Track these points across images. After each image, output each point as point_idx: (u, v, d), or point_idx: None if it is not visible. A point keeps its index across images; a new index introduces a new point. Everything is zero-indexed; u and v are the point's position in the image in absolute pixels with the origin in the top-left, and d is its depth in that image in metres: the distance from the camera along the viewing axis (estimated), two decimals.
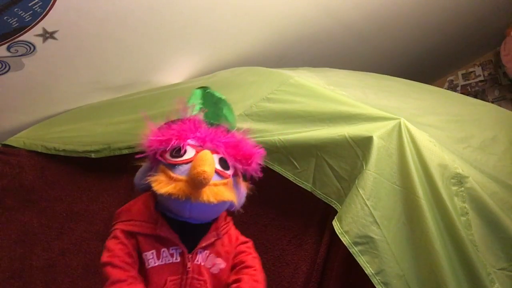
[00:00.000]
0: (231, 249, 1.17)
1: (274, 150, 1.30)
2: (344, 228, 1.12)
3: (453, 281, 1.07)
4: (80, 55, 1.75)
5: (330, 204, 1.23)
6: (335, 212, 1.19)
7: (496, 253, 1.16)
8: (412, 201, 1.14)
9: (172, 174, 1.02)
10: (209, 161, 1.00)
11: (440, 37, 2.90)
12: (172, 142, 1.05)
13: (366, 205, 1.12)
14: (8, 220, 1.69)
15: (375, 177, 1.15)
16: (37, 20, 1.49)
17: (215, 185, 1.03)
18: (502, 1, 2.76)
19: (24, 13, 1.43)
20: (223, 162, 1.07)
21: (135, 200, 1.14)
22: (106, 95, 1.98)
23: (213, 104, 1.17)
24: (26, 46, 1.58)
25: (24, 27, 1.49)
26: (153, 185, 1.01)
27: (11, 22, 1.44)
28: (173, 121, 1.11)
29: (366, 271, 1.08)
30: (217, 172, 1.04)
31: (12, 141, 1.82)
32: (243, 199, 1.16)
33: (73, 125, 1.83)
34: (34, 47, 1.60)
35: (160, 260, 1.05)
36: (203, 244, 1.09)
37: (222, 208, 1.11)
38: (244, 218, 1.24)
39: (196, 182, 0.97)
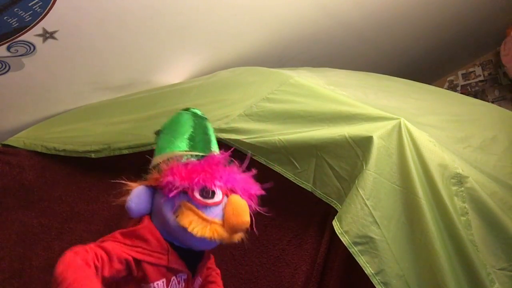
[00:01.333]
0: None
1: (274, 150, 1.30)
2: (344, 228, 1.12)
3: (453, 281, 1.07)
4: (80, 55, 1.75)
5: (330, 204, 1.23)
6: (335, 212, 1.19)
7: (496, 253, 1.16)
8: (412, 201, 1.14)
9: (206, 216, 1.04)
10: (247, 210, 1.06)
11: (440, 37, 2.90)
12: (206, 183, 1.06)
13: (366, 205, 1.12)
14: (8, 220, 1.69)
15: (375, 177, 1.15)
16: (37, 20, 1.49)
17: None
18: (502, 1, 2.76)
19: (24, 13, 1.43)
20: None
21: (138, 227, 1.09)
22: (106, 95, 1.98)
23: (201, 132, 1.17)
24: (26, 46, 1.58)
25: (24, 27, 1.49)
26: (185, 225, 1.02)
27: (11, 22, 1.44)
28: (197, 159, 1.11)
29: (366, 271, 1.08)
30: None
31: (12, 141, 1.82)
32: None
33: (73, 125, 1.83)
34: (34, 47, 1.60)
35: (169, 287, 1.07)
36: (201, 269, 1.16)
37: None
38: None
39: (238, 230, 1.04)
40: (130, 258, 1.01)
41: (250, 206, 1.10)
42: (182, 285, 1.10)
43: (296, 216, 1.39)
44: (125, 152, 1.55)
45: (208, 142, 1.17)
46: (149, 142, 1.41)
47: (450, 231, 1.12)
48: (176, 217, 1.04)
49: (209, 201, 1.06)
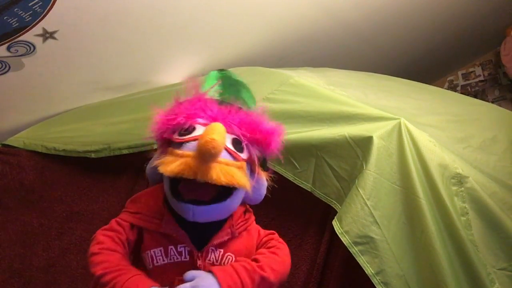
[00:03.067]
0: (253, 246, 1.08)
1: None
2: (344, 228, 1.12)
3: (453, 281, 1.07)
4: (80, 55, 1.75)
5: (330, 204, 1.23)
6: (335, 212, 1.19)
7: (496, 253, 1.16)
8: (412, 201, 1.14)
9: (179, 151, 0.92)
10: (219, 130, 0.89)
11: (440, 37, 2.90)
12: (180, 120, 0.96)
13: (366, 205, 1.12)
14: (8, 220, 1.69)
15: (375, 177, 1.15)
16: (37, 20, 1.49)
17: (227, 164, 0.92)
18: (502, 1, 2.76)
19: (24, 13, 1.43)
20: (236, 143, 0.97)
21: (146, 190, 1.09)
22: (106, 95, 1.98)
23: (230, 86, 1.08)
24: (26, 46, 1.58)
25: (24, 27, 1.49)
26: (158, 166, 0.91)
27: (11, 22, 1.44)
28: (181, 101, 1.01)
29: (366, 271, 1.08)
30: (229, 152, 0.94)
31: (12, 141, 1.82)
32: (263, 192, 1.07)
33: (73, 125, 1.83)
34: (34, 47, 1.60)
35: (168, 258, 0.99)
36: (215, 242, 1.01)
37: (230, 208, 1.01)
38: None
39: (204, 152, 0.86)
40: (130, 225, 0.99)
41: (250, 146, 0.97)
42: (185, 257, 0.99)
43: (296, 216, 1.39)
44: (125, 152, 1.55)
45: (236, 91, 1.06)
46: (149, 142, 1.41)
47: (450, 231, 1.12)
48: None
49: (186, 137, 0.94)
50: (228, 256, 1.03)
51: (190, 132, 0.95)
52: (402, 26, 2.59)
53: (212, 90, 1.05)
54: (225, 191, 0.95)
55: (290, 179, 1.29)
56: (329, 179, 1.24)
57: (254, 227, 1.12)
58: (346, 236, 1.10)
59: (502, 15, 2.92)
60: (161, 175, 0.95)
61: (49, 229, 1.67)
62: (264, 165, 1.06)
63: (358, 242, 1.10)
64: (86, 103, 1.97)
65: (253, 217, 1.13)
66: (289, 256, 1.09)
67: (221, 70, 1.13)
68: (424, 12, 2.52)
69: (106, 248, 0.96)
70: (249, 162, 1.00)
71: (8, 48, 1.56)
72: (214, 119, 0.97)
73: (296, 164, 1.28)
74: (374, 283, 1.07)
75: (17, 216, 1.70)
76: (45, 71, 1.75)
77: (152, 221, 1.01)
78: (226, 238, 1.02)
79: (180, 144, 0.94)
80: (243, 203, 1.09)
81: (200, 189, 0.92)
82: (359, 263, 1.09)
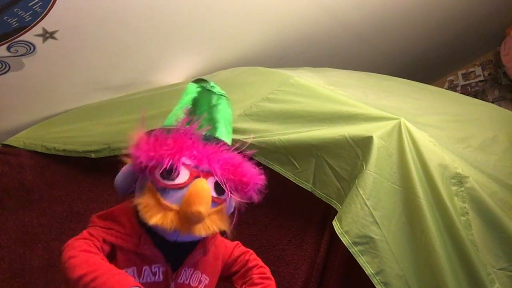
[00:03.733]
0: (218, 262, 1.10)
1: (274, 150, 1.30)
2: (344, 228, 1.11)
3: (453, 281, 1.07)
4: (80, 55, 1.75)
5: (331, 204, 1.23)
6: (335, 212, 1.19)
7: (496, 253, 1.16)
8: (412, 201, 1.14)
9: (163, 201, 0.91)
10: (206, 199, 0.89)
11: (440, 37, 2.90)
12: (165, 161, 0.91)
13: (366, 205, 1.12)
14: (8, 220, 1.69)
15: (375, 177, 1.15)
16: (37, 20, 1.48)
17: (208, 215, 0.92)
18: (502, 1, 2.76)
19: (24, 13, 1.43)
20: (218, 187, 0.96)
21: (116, 208, 1.03)
22: (106, 95, 1.98)
23: (205, 104, 1.06)
24: (26, 46, 1.58)
25: (24, 27, 1.49)
26: (140, 210, 0.91)
27: (11, 22, 1.44)
28: (166, 131, 0.97)
29: (366, 271, 1.08)
30: (212, 199, 0.93)
31: (12, 141, 1.82)
32: (231, 210, 1.05)
33: (73, 125, 1.83)
34: (34, 47, 1.60)
35: (142, 278, 0.95)
36: (190, 262, 1.01)
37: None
38: (244, 218, 1.24)
39: (190, 221, 0.89)
40: (103, 240, 0.94)
41: (236, 195, 0.96)
42: (158, 277, 0.96)
43: (296, 216, 1.39)
44: (125, 152, 1.55)
45: (211, 119, 1.03)
46: None
47: (450, 231, 1.12)
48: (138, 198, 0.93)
49: (168, 182, 0.91)
50: (196, 274, 1.03)
51: (173, 178, 0.92)
52: (402, 26, 2.59)
53: (185, 107, 1.03)
54: None
55: (290, 179, 1.29)
56: (330, 179, 1.24)
57: (219, 240, 1.11)
58: (346, 236, 1.10)
59: (502, 15, 2.92)
60: (135, 187, 0.96)
61: (49, 229, 1.67)
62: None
63: (358, 242, 1.10)
64: (86, 103, 1.97)
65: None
66: (268, 268, 1.13)
67: (199, 81, 1.09)
68: (424, 12, 2.52)
69: (83, 250, 0.91)
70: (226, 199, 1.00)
71: (8, 48, 1.56)
72: (200, 161, 0.94)
73: (296, 164, 1.28)
74: (374, 283, 1.07)
75: (17, 216, 1.70)
76: (45, 71, 1.75)
77: (128, 240, 0.96)
78: (199, 256, 1.03)
79: (163, 190, 0.92)
80: None
81: None
82: (359, 263, 1.09)
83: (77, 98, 1.95)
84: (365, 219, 1.11)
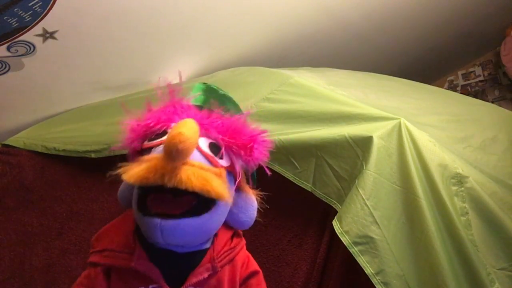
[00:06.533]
0: (235, 282, 0.92)
1: (274, 150, 1.30)
2: (344, 228, 1.11)
3: (453, 281, 1.07)
4: (80, 55, 1.75)
5: (331, 204, 1.23)
6: (335, 212, 1.19)
7: (496, 253, 1.16)
8: (412, 201, 1.14)
9: (146, 157, 0.79)
10: (190, 125, 0.75)
11: (440, 37, 2.90)
12: (150, 124, 0.84)
13: (366, 205, 1.12)
14: (8, 220, 1.69)
15: (375, 177, 1.15)
16: (37, 20, 1.48)
17: (201, 168, 0.78)
18: (502, 1, 2.76)
19: (24, 13, 1.43)
20: (214, 147, 0.84)
21: (113, 222, 0.94)
22: (106, 95, 1.98)
23: (214, 97, 0.98)
24: (26, 46, 1.58)
25: (24, 27, 1.49)
26: (122, 174, 0.78)
27: (11, 22, 1.44)
28: (155, 108, 0.90)
29: (366, 271, 1.08)
30: (205, 155, 0.81)
31: (12, 141, 1.81)
32: (252, 214, 0.93)
33: (73, 125, 1.83)
34: (34, 47, 1.60)
35: None
36: (193, 281, 0.84)
37: (208, 227, 0.85)
38: None
39: (170, 148, 0.72)
40: (102, 270, 0.85)
41: (232, 150, 0.84)
42: None
43: (296, 216, 1.39)
44: (125, 152, 1.55)
45: (221, 102, 0.93)
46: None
47: (450, 231, 1.12)
48: None
49: (155, 141, 0.82)
50: None
51: (160, 137, 0.83)
52: (402, 26, 2.59)
53: (193, 98, 0.95)
54: (201, 205, 0.80)
55: (290, 179, 1.29)
56: (330, 179, 1.24)
57: (242, 256, 0.95)
58: (346, 236, 1.10)
59: (502, 15, 2.92)
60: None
61: (49, 229, 1.67)
62: (253, 180, 0.93)
63: (358, 242, 1.10)
64: (86, 103, 1.97)
65: (243, 243, 0.97)
66: None
67: (205, 84, 1.04)
68: (424, 12, 2.52)
69: None
70: (231, 171, 0.87)
71: (8, 48, 1.56)
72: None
73: (296, 164, 1.28)
74: (374, 283, 1.07)
75: (17, 216, 1.70)
76: (45, 71, 1.75)
77: (120, 256, 0.85)
78: (206, 274, 0.86)
79: (149, 150, 0.82)
80: (230, 227, 0.95)
81: (172, 203, 0.78)
82: (359, 263, 1.09)
83: (77, 98, 1.95)
84: (365, 219, 1.11)
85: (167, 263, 0.85)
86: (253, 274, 0.96)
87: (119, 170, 0.79)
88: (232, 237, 0.94)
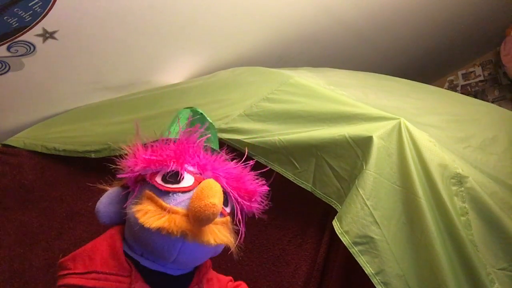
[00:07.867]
0: None
1: (274, 150, 1.30)
2: (344, 228, 1.11)
3: (453, 281, 1.07)
4: (80, 55, 1.75)
5: (331, 204, 1.23)
6: (335, 212, 1.19)
7: (496, 253, 1.16)
8: (412, 201, 1.14)
9: (165, 204, 0.82)
10: (219, 193, 0.81)
11: (440, 37, 2.90)
12: (169, 164, 0.85)
13: (366, 205, 1.12)
14: (8, 220, 1.69)
15: (375, 177, 1.15)
16: (37, 20, 1.49)
17: (215, 224, 0.84)
18: (502, 1, 2.76)
19: (24, 13, 1.43)
20: (223, 197, 0.87)
21: (95, 241, 0.89)
22: (106, 95, 1.98)
23: (202, 123, 1.03)
24: (26, 46, 1.58)
25: (24, 27, 1.49)
26: (138, 216, 0.80)
27: (11, 22, 1.44)
28: (166, 141, 0.92)
29: (366, 271, 1.08)
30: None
31: (12, 141, 1.82)
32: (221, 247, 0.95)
33: (73, 125, 1.83)
34: (34, 47, 1.60)
35: None
36: None
37: (212, 253, 0.93)
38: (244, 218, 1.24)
39: (201, 218, 0.77)
40: None
41: (238, 202, 0.90)
42: None
43: (296, 216, 1.39)
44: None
45: (208, 139, 0.99)
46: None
47: (450, 231, 1.12)
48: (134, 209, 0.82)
49: (173, 186, 0.84)
50: None
51: (178, 181, 0.85)
52: (402, 26, 2.59)
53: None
54: None
55: (291, 179, 1.29)
56: (330, 179, 1.24)
57: (212, 275, 1.01)
58: (346, 236, 1.10)
59: (502, 15, 2.92)
60: (123, 215, 0.86)
61: (49, 229, 1.67)
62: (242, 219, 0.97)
63: (358, 242, 1.10)
64: (86, 103, 1.98)
65: (209, 263, 1.02)
66: None
67: (191, 108, 1.07)
68: (424, 12, 2.53)
69: None
70: (230, 215, 0.93)
71: (8, 48, 1.56)
72: (203, 168, 0.89)
73: (296, 164, 1.28)
74: (374, 283, 1.07)
75: (17, 216, 1.70)
76: (45, 71, 1.75)
77: (112, 279, 0.82)
78: None
79: (165, 194, 0.84)
80: None
81: None
82: (359, 263, 1.09)
83: (77, 98, 1.95)
84: (365, 219, 1.11)
85: (161, 285, 0.87)
86: (237, 286, 1.06)
87: (135, 209, 0.82)
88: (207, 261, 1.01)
